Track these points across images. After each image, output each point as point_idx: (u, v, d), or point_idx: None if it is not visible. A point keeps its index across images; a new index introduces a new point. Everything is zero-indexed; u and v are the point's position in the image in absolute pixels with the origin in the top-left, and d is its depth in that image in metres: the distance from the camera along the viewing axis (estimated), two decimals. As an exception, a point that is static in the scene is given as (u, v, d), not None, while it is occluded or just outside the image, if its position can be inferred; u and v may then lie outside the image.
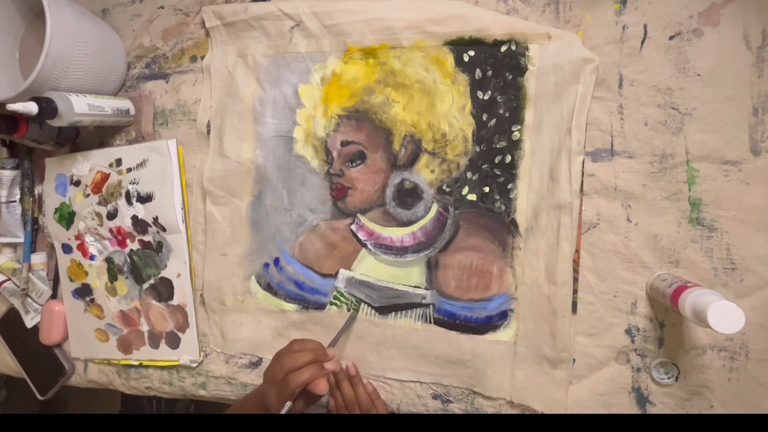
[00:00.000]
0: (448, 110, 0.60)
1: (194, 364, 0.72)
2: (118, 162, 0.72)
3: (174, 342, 0.72)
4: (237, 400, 0.70)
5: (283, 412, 0.51)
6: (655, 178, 0.55)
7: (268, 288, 0.68)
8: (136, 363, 0.75)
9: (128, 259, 0.73)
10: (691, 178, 0.54)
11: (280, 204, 0.67)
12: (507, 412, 0.60)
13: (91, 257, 0.75)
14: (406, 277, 0.63)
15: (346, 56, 0.63)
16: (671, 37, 0.54)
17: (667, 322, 0.56)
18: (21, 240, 0.79)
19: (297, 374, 0.52)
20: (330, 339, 0.60)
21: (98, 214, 0.73)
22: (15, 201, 0.77)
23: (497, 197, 0.59)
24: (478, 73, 0.59)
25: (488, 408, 0.61)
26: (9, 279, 0.79)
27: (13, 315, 0.80)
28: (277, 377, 0.53)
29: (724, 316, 0.43)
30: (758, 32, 0.52)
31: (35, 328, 0.79)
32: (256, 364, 0.70)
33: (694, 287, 0.48)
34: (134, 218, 0.71)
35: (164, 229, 0.70)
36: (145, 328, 0.74)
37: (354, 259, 0.65)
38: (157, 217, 0.70)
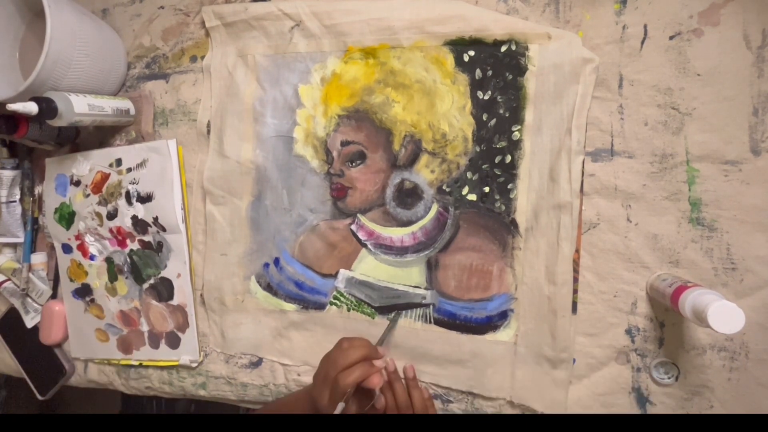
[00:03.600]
0: (448, 110, 0.60)
1: (194, 364, 0.72)
2: (118, 162, 0.72)
3: (174, 342, 0.72)
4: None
5: (337, 412, 0.50)
6: (655, 178, 0.55)
7: (268, 288, 0.68)
8: (136, 363, 0.75)
9: (128, 259, 0.73)
10: (691, 178, 0.54)
11: (280, 204, 0.67)
12: (507, 412, 0.60)
13: (91, 257, 0.75)
14: (406, 277, 0.63)
15: (346, 56, 0.63)
16: (671, 37, 0.54)
17: (667, 322, 0.56)
18: (21, 240, 0.79)
19: (348, 372, 0.52)
20: (330, 339, 0.60)
21: (98, 214, 0.73)
22: (15, 201, 0.77)
23: (497, 197, 0.59)
24: (478, 73, 0.59)
25: (488, 408, 0.61)
26: (9, 279, 0.79)
27: (13, 315, 0.80)
28: (330, 376, 0.52)
29: (724, 316, 0.43)
30: (758, 32, 0.52)
31: (35, 328, 0.79)
32: (256, 364, 0.70)
33: (694, 287, 0.48)
34: (134, 218, 0.71)
35: (164, 229, 0.70)
36: (145, 328, 0.74)
37: (354, 259, 0.65)
38: (157, 217, 0.70)
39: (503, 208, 0.59)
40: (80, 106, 0.63)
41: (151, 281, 0.72)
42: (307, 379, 0.67)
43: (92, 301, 0.76)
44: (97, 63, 0.67)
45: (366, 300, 0.64)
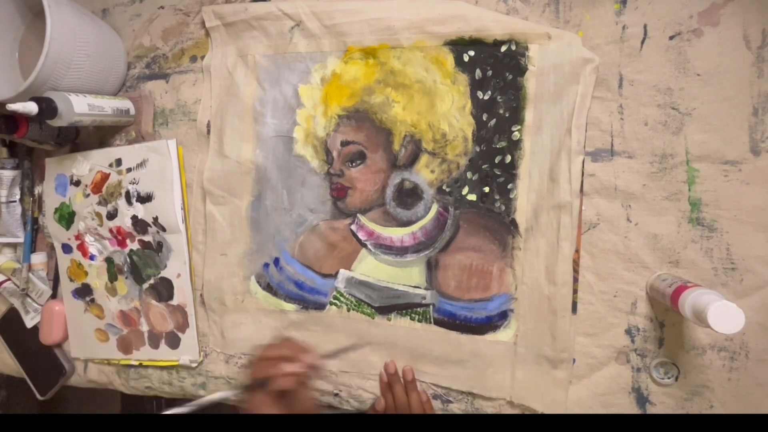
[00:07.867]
0: (448, 110, 0.60)
1: (194, 364, 0.72)
2: (118, 162, 0.72)
3: (174, 342, 0.72)
4: None
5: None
6: (655, 178, 0.55)
7: (268, 288, 0.68)
8: (135, 363, 0.75)
9: (128, 259, 0.73)
10: (691, 178, 0.54)
11: (280, 204, 0.67)
12: (507, 412, 0.60)
13: (91, 257, 0.75)
14: (406, 277, 0.63)
15: (346, 56, 0.63)
16: (671, 37, 0.54)
17: (667, 322, 0.56)
18: (21, 240, 0.79)
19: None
20: (330, 339, 0.59)
21: (98, 214, 0.73)
22: (15, 201, 0.77)
23: (497, 197, 0.59)
24: (478, 73, 0.59)
25: (488, 408, 0.61)
26: (9, 279, 0.79)
27: (13, 315, 0.80)
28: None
29: (724, 316, 0.43)
30: (758, 32, 0.52)
31: (35, 328, 0.79)
32: (256, 364, 0.70)
33: (694, 287, 0.48)
34: (134, 218, 0.71)
35: (164, 229, 0.70)
36: (145, 328, 0.74)
37: (354, 259, 0.65)
38: (157, 217, 0.70)
39: (503, 208, 0.59)
40: (80, 106, 0.63)
41: (151, 281, 0.72)
42: (307, 379, 0.67)
43: (92, 301, 0.76)
44: (97, 63, 0.67)
45: (366, 300, 0.64)
